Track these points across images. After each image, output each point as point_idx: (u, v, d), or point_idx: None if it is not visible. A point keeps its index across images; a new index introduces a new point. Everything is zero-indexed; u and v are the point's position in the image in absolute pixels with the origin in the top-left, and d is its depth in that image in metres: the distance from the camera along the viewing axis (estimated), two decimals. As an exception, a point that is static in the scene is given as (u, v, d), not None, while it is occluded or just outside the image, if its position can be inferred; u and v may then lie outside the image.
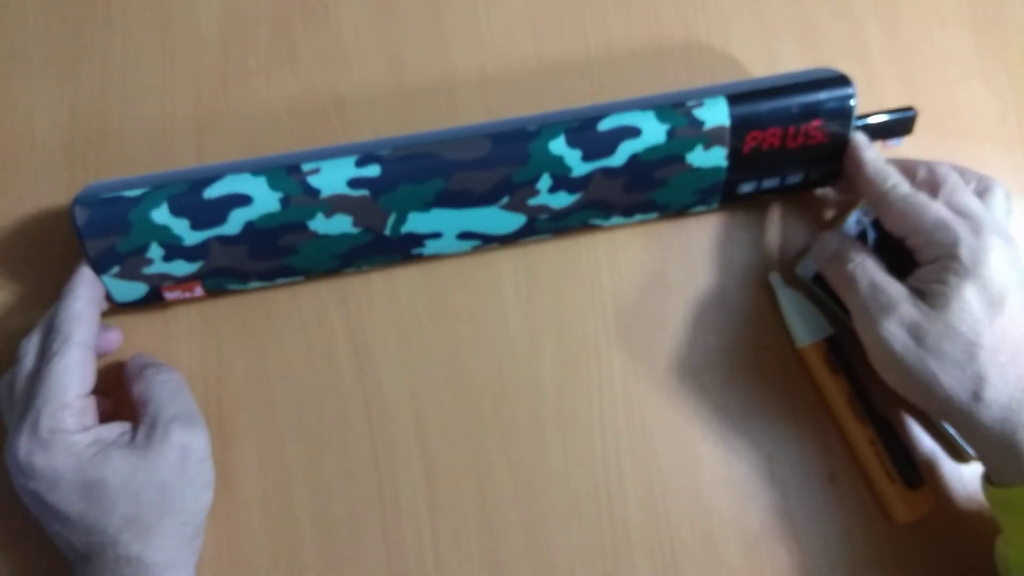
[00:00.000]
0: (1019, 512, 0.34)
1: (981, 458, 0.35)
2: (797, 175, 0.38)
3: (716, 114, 0.36)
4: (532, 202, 0.37)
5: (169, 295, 0.38)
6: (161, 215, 0.35)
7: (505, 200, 0.37)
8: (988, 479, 0.35)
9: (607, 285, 0.41)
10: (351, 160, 0.36)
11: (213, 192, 0.35)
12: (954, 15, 0.44)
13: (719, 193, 0.39)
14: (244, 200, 0.35)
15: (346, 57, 0.42)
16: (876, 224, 0.39)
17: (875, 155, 0.37)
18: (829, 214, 0.42)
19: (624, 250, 0.41)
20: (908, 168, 0.37)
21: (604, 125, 0.36)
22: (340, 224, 0.36)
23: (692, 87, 0.38)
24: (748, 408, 0.40)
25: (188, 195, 0.35)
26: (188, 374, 0.39)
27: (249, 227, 0.36)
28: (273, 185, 0.35)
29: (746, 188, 0.39)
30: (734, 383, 0.40)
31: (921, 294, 0.34)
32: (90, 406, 0.34)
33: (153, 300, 0.38)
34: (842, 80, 0.37)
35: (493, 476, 0.39)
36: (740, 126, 0.36)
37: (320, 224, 0.36)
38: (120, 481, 0.33)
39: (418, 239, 0.38)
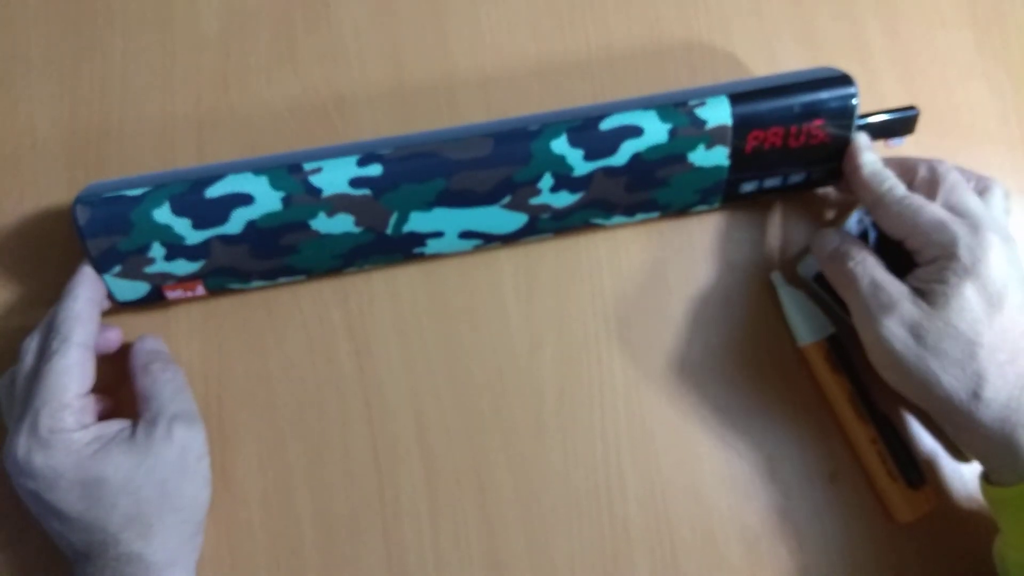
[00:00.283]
0: (1017, 511, 0.34)
1: (979, 457, 0.35)
2: (799, 174, 0.38)
3: (718, 113, 0.36)
4: (534, 201, 0.37)
5: (171, 294, 0.38)
6: (163, 214, 0.35)
7: (507, 199, 0.37)
8: (987, 478, 0.35)
9: (608, 284, 0.41)
10: (353, 159, 0.36)
11: (215, 191, 0.35)
12: (955, 14, 0.44)
13: (721, 192, 0.39)
14: (246, 199, 0.35)
15: (347, 56, 0.42)
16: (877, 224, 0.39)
17: (872, 157, 0.37)
18: (831, 214, 0.42)
19: (625, 249, 0.41)
20: (909, 167, 0.37)
21: (606, 124, 0.36)
22: (342, 223, 0.36)
23: (693, 86, 0.38)
24: (749, 407, 0.40)
25: (190, 194, 0.35)
26: (189, 373, 0.39)
27: (251, 226, 0.36)
28: (275, 184, 0.35)
29: (748, 187, 0.39)
30: (735, 382, 0.40)
31: (921, 293, 0.34)
32: (89, 405, 0.34)
33: (154, 299, 0.38)
34: (844, 79, 0.37)
35: (493, 476, 0.39)
36: (742, 125, 0.36)
37: (322, 223, 0.36)
38: (121, 478, 0.33)
39: (420, 238, 0.38)
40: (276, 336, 0.40)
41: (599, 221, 0.39)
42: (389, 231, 0.37)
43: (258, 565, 0.38)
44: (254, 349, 0.40)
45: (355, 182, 0.36)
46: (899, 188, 0.35)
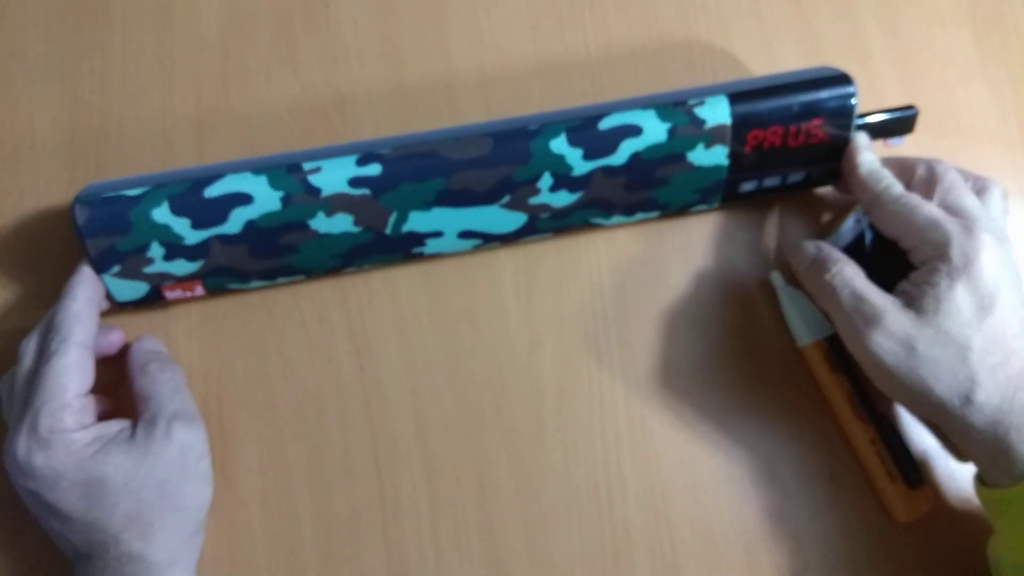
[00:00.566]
0: (1011, 512, 0.34)
1: (973, 459, 0.35)
2: (798, 174, 0.38)
3: (717, 112, 0.36)
4: (533, 201, 0.37)
5: (170, 294, 0.38)
6: (162, 214, 0.35)
7: (506, 199, 0.37)
8: (981, 480, 0.35)
9: (607, 284, 0.41)
10: (352, 159, 0.36)
11: (214, 191, 0.35)
12: (954, 15, 0.44)
13: (720, 192, 0.39)
14: (245, 199, 0.35)
15: (346, 57, 0.42)
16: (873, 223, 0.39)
17: (870, 157, 0.37)
18: (829, 214, 0.42)
19: (624, 249, 0.41)
20: (907, 166, 0.37)
21: (605, 124, 0.36)
22: (341, 223, 0.36)
23: (693, 86, 0.38)
24: (748, 408, 0.40)
25: (189, 194, 0.35)
26: (188, 373, 0.39)
27: (250, 226, 0.36)
28: (274, 184, 0.35)
29: (747, 187, 0.39)
30: (734, 383, 0.40)
31: (911, 296, 0.33)
32: (89, 405, 0.34)
33: (154, 299, 0.38)
34: (843, 79, 0.37)
35: (493, 475, 0.39)
36: (741, 124, 0.36)
37: (321, 223, 0.36)
38: (121, 478, 0.33)
39: (419, 238, 0.38)
40: (275, 336, 0.40)
41: (598, 221, 0.39)
42: (388, 231, 0.37)
43: (258, 565, 0.39)
44: (253, 349, 0.40)
45: (354, 182, 0.36)
46: (896, 187, 0.35)
